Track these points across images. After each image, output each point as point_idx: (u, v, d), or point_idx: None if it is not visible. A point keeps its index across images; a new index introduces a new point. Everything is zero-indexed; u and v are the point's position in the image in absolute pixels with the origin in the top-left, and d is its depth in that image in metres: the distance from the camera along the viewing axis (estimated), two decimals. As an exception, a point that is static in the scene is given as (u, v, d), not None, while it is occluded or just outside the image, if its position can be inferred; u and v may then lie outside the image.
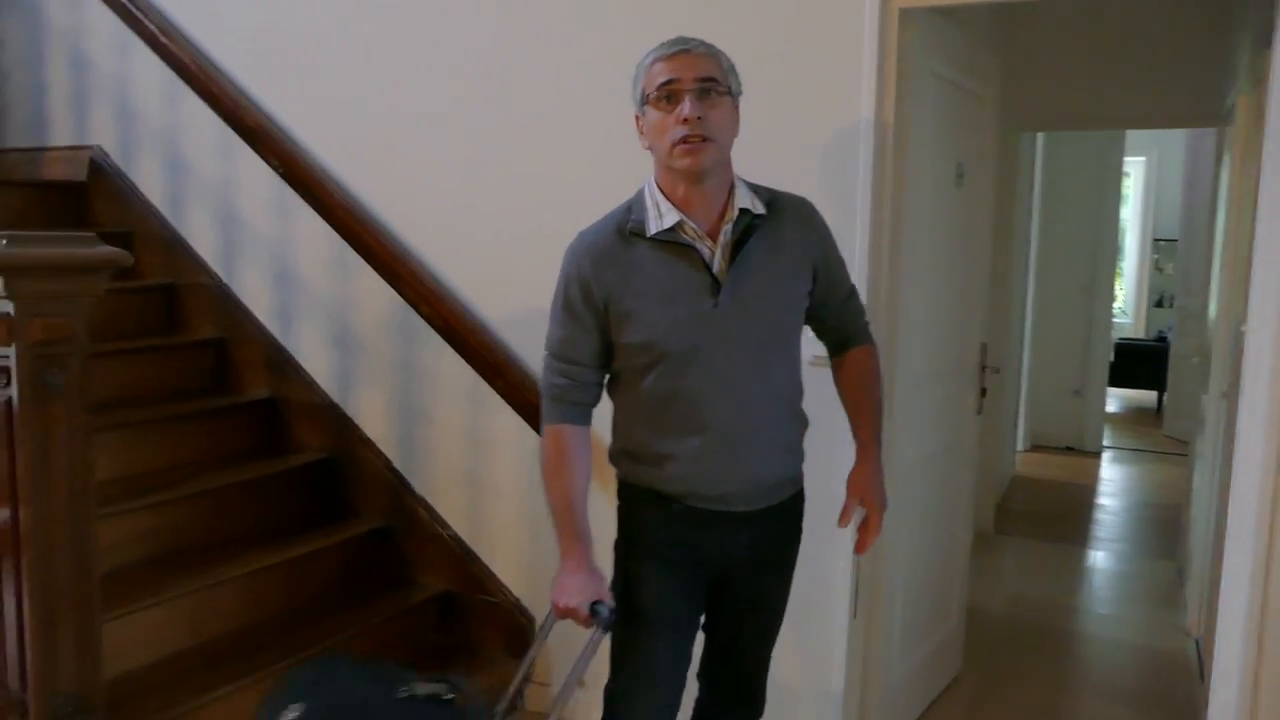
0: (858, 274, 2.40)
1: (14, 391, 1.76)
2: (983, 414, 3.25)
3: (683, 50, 1.72)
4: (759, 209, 1.80)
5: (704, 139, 1.69)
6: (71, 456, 1.86)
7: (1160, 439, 7.39)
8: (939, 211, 2.75)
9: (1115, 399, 8.69)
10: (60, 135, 3.72)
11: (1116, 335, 8.22)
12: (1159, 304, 9.96)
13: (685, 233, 1.76)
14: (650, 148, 1.77)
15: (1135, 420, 8.32)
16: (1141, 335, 9.61)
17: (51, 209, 3.64)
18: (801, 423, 1.94)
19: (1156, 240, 9.86)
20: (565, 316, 1.82)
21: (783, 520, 1.94)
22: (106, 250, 1.86)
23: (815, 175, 2.44)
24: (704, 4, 2.55)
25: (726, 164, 1.79)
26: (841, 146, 2.42)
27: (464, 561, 3.02)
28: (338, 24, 3.09)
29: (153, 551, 2.79)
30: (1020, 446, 6.65)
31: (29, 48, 3.75)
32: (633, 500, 1.91)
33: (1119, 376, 8.12)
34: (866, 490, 1.97)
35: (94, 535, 1.91)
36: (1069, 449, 6.96)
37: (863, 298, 2.38)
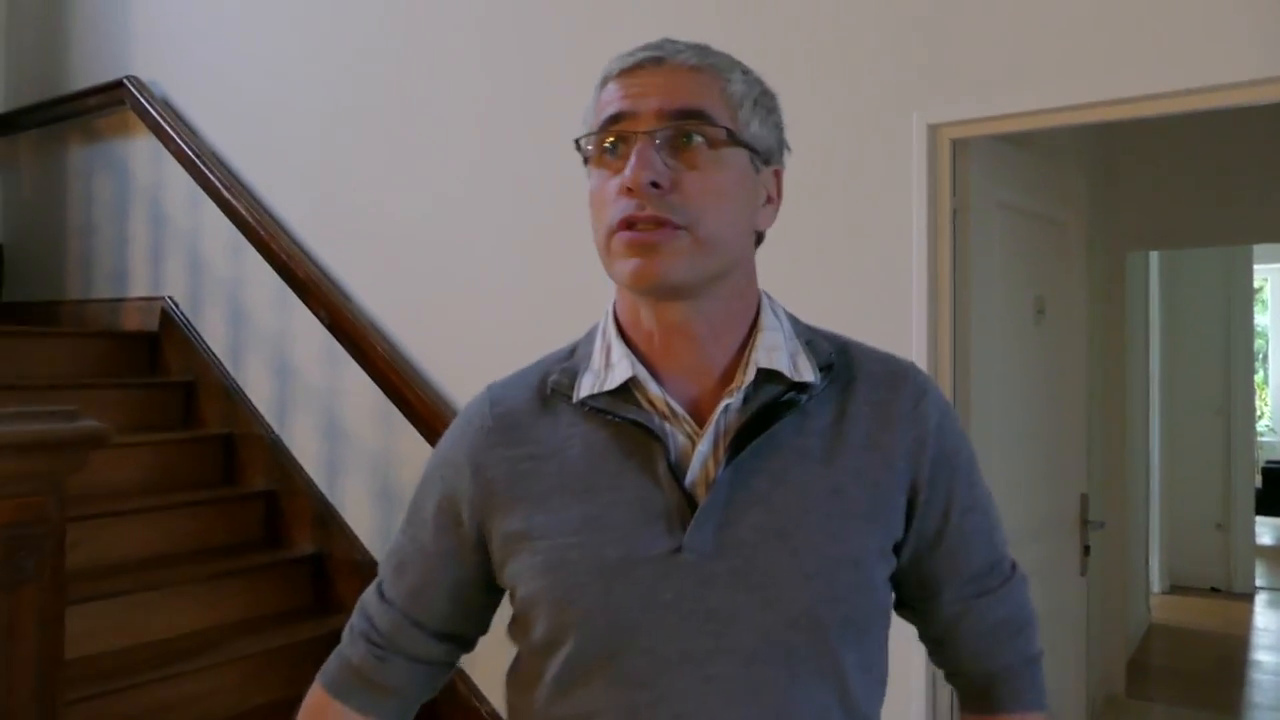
0: (914, 429, 2.14)
1: (-24, 579, 1.67)
2: (1107, 558, 2.87)
3: (651, 59, 0.91)
4: (804, 373, 0.94)
5: (661, 223, 0.87)
6: (42, 643, 1.74)
7: (1324, 578, 6.61)
8: (1016, 352, 2.48)
9: (1267, 530, 7.86)
10: (138, 286, 3.82)
11: (1264, 458, 7.50)
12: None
13: (645, 402, 0.93)
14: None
15: (1293, 555, 7.50)
16: (1294, 457, 8.77)
17: (127, 358, 3.71)
18: None
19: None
20: (408, 522, 1.06)
21: None
22: (85, 426, 1.77)
23: (865, 319, 2.21)
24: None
25: (738, 282, 0.95)
26: (893, 286, 2.20)
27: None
28: (388, 182, 3.08)
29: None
30: (1157, 589, 6.01)
31: (115, 203, 3.90)
32: None
33: (1270, 504, 7.36)
34: None
35: (62, 729, 1.77)
36: (1214, 590, 6.26)
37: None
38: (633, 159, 0.87)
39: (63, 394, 3.23)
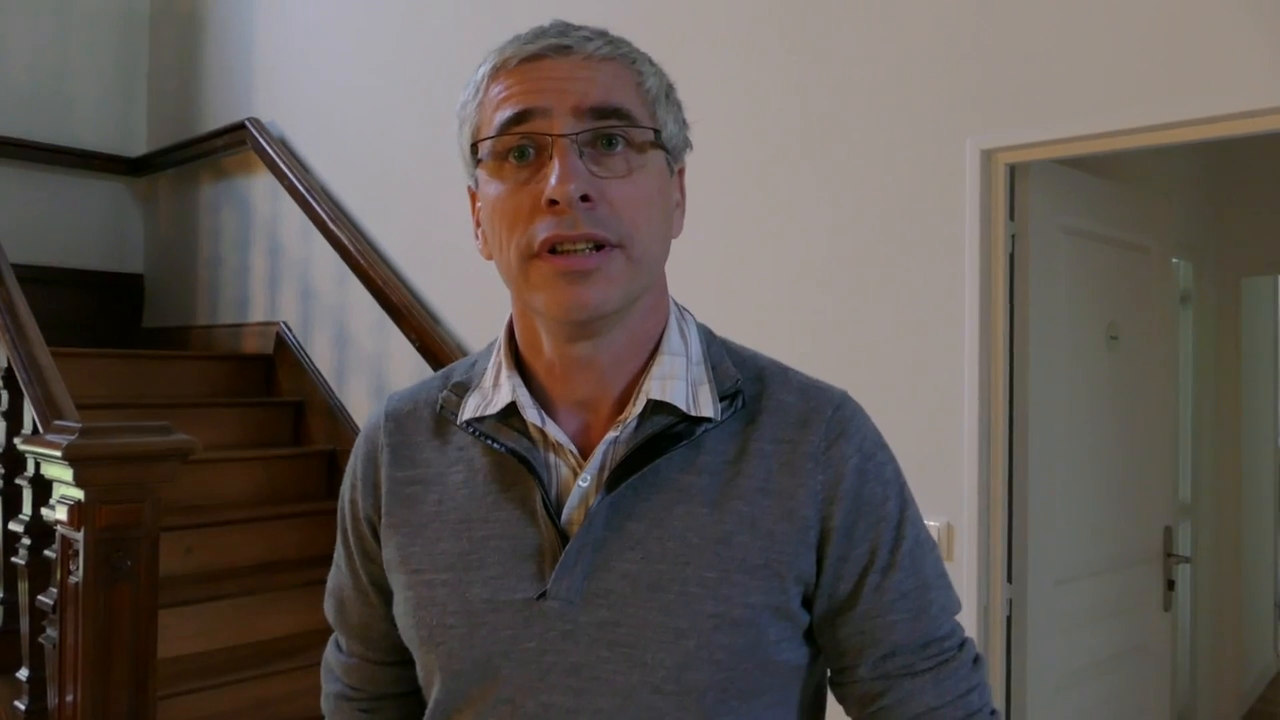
0: (965, 457, 2.13)
1: (79, 575, 1.86)
2: (1218, 594, 2.76)
3: (555, 47, 0.80)
4: (703, 406, 0.84)
5: (594, 240, 0.77)
6: (135, 639, 1.92)
7: None
8: (1084, 379, 2.43)
9: None
10: (257, 312, 4.10)
11: None
12: None
13: (529, 428, 0.86)
14: (493, 259, 0.86)
15: None
16: None
17: (246, 379, 3.99)
18: None
19: None
20: (336, 554, 1.01)
21: None
22: (176, 439, 1.95)
23: (918, 346, 2.22)
24: (784, 167, 2.45)
25: (650, 301, 0.86)
26: (946, 312, 2.20)
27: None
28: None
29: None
30: (1288, 632, 5.64)
31: (239, 235, 4.20)
32: None
33: None
34: None
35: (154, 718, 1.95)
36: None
37: (972, 481, 2.12)
38: (555, 168, 0.76)
39: (185, 412, 3.51)
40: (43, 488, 2.11)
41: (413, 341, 3.22)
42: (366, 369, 3.57)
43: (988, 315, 2.15)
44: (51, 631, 1.97)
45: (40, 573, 2.13)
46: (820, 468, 0.84)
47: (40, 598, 2.04)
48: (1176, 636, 2.91)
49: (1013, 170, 2.19)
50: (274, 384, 3.97)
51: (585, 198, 0.76)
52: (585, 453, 0.84)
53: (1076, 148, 2.06)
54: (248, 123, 3.94)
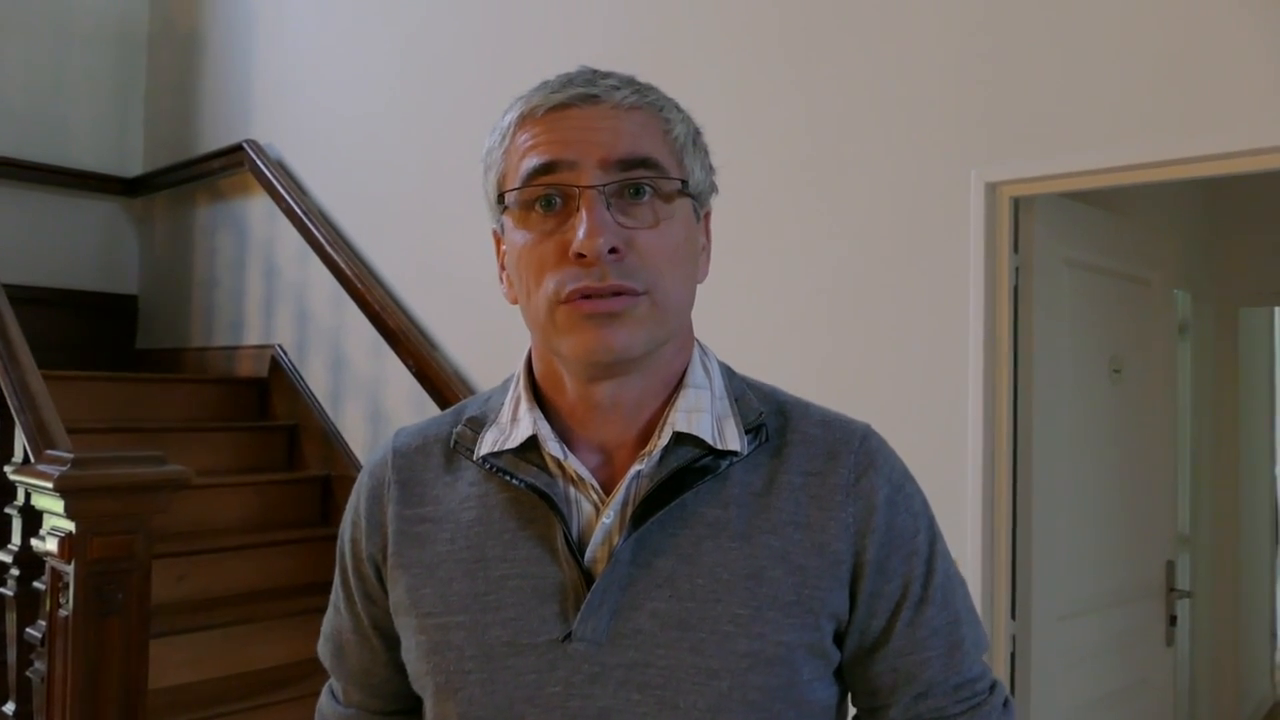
0: (969, 492, 2.11)
1: (69, 608, 1.82)
2: (1216, 629, 2.74)
3: (583, 96, 0.79)
4: (728, 439, 0.82)
5: (621, 291, 0.77)
6: (125, 674, 1.89)
7: None
8: (1087, 412, 2.41)
9: None
10: (252, 335, 4.07)
11: None
12: None
13: (549, 464, 0.83)
14: (518, 304, 0.85)
15: None
16: None
17: (240, 402, 3.95)
18: None
19: None
20: (334, 596, 0.97)
21: None
22: (170, 470, 1.92)
23: (920, 377, 2.21)
24: (790, 201, 2.44)
25: (676, 343, 0.85)
26: (949, 344, 2.19)
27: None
28: (476, 238, 3.22)
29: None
30: (1285, 662, 5.62)
31: (234, 257, 4.17)
32: None
33: None
34: None
35: (142, 753, 1.91)
36: (1355, 667, 5.81)
37: (976, 515, 2.09)
38: (584, 221, 0.75)
39: (179, 436, 3.48)
40: (33, 517, 2.07)
41: (409, 367, 3.19)
42: (362, 394, 3.54)
43: (992, 348, 2.14)
44: (39, 665, 1.93)
45: (29, 604, 2.09)
46: (851, 500, 0.82)
47: (29, 630, 2.00)
48: (1177, 669, 2.88)
49: (1017, 203, 2.18)
50: (268, 408, 3.93)
51: (614, 250, 0.76)
52: (607, 489, 0.82)
53: (1081, 182, 2.05)
54: (245, 144, 3.92)
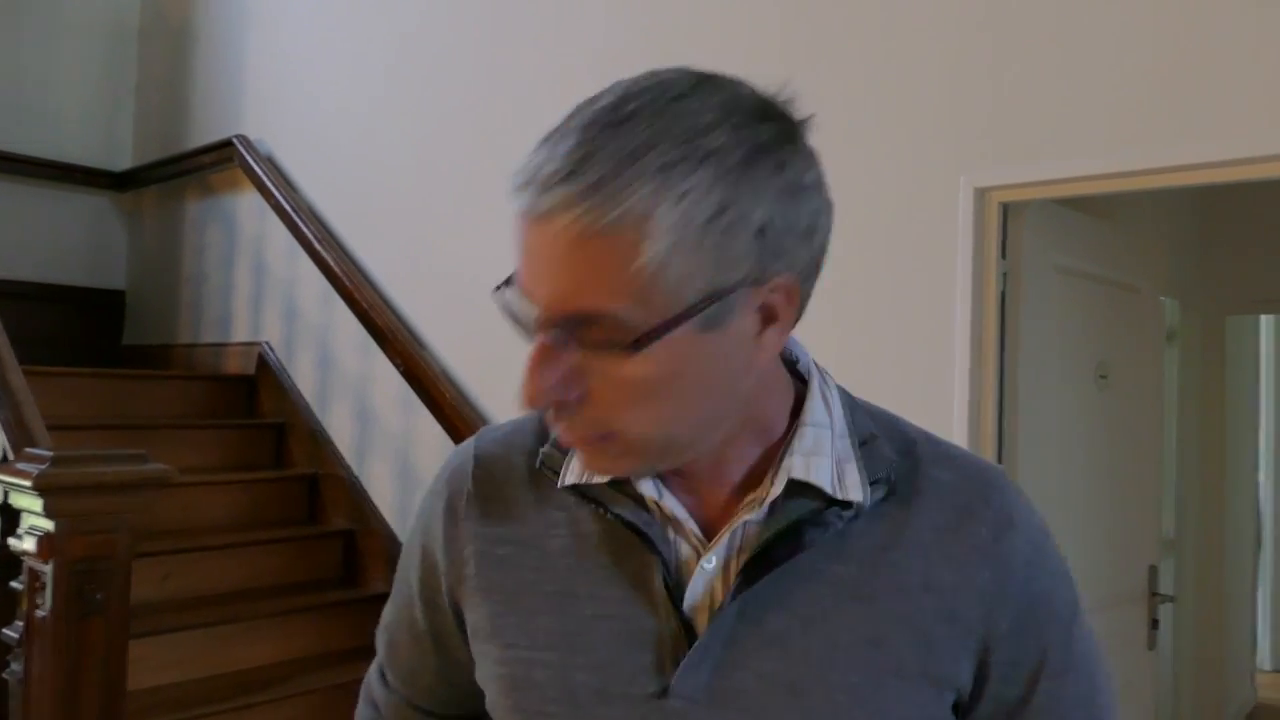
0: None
1: (47, 609, 1.81)
2: (1200, 633, 2.75)
3: (530, 212, 0.63)
4: (850, 490, 0.73)
5: (590, 435, 0.69)
6: (106, 675, 1.87)
7: None
8: (1074, 418, 2.42)
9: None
10: (240, 332, 4.05)
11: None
12: None
13: (645, 503, 0.75)
14: None
15: None
16: None
17: (227, 400, 3.93)
18: None
19: None
20: (395, 591, 0.92)
21: None
22: (152, 469, 1.91)
23: (907, 381, 2.21)
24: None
25: (744, 412, 0.73)
26: (936, 349, 2.19)
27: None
28: (469, 237, 3.21)
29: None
30: (1268, 665, 5.66)
31: (223, 253, 4.15)
32: None
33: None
34: None
35: (122, 754, 1.90)
36: (1336, 671, 5.84)
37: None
38: (527, 365, 0.65)
39: (164, 434, 3.46)
40: (10, 516, 2.05)
41: (397, 366, 3.18)
42: (350, 392, 3.53)
43: (979, 353, 2.14)
44: (16, 666, 1.92)
45: (5, 604, 2.07)
46: (988, 562, 0.73)
47: (5, 630, 1.98)
48: (1159, 673, 2.88)
49: (1006, 209, 2.18)
50: (255, 406, 3.91)
51: (560, 401, 0.66)
52: (705, 530, 0.74)
53: (1071, 188, 2.05)
54: (235, 140, 3.90)
